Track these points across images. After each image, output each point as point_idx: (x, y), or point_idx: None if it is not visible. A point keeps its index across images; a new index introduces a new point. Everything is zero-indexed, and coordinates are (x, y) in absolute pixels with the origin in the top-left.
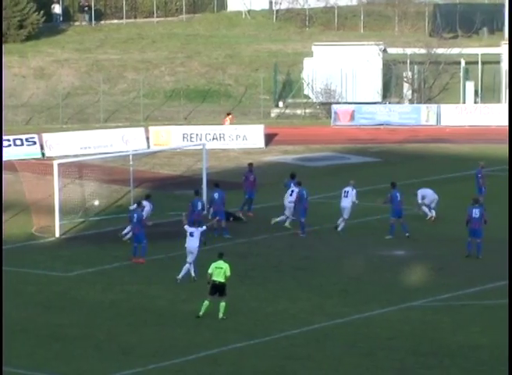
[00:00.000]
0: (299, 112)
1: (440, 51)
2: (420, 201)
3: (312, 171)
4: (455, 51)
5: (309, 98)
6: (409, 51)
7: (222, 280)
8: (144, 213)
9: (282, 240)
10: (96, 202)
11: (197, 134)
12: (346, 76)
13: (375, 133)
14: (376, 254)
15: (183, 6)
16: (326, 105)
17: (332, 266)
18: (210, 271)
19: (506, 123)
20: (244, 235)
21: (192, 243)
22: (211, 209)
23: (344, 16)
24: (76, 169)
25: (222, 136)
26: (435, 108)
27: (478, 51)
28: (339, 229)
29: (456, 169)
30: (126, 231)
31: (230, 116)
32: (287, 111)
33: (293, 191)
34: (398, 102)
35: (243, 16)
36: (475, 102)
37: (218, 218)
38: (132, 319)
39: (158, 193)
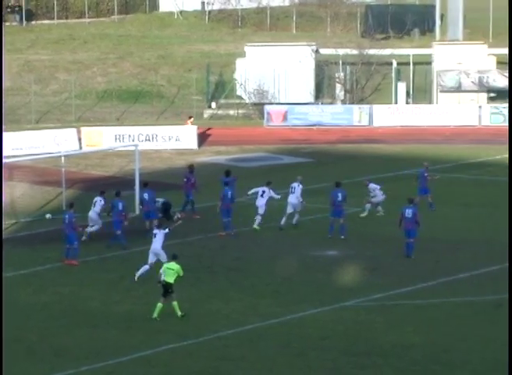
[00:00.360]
0: (232, 112)
1: (372, 51)
2: (371, 194)
3: (245, 172)
4: (387, 51)
5: (242, 98)
6: (341, 51)
7: (170, 280)
8: (99, 207)
9: (215, 240)
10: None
11: (129, 135)
12: (279, 77)
13: (307, 133)
14: (309, 254)
15: (115, 7)
16: (259, 106)
17: (264, 267)
18: (161, 271)
19: (437, 123)
20: (178, 236)
21: (155, 244)
22: (143, 210)
23: (276, 17)
24: (7, 171)
25: (154, 137)
26: (368, 109)
27: (409, 51)
28: (294, 222)
29: (389, 170)
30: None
31: (191, 120)
32: (220, 112)
33: (264, 192)
34: (330, 103)
35: (176, 16)
36: (407, 103)
37: (178, 216)
38: (64, 320)
39: (90, 194)
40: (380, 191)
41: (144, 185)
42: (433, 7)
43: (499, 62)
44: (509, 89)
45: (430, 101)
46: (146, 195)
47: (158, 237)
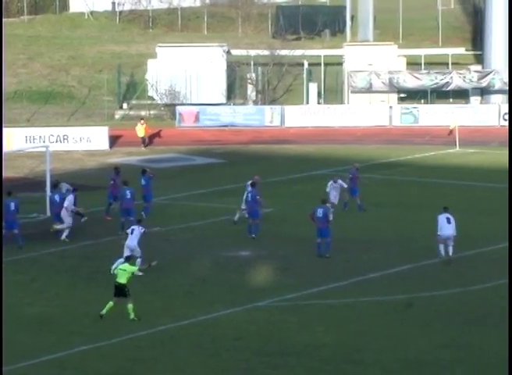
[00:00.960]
0: (143, 113)
1: (283, 52)
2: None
3: (157, 172)
4: (298, 52)
5: (153, 99)
6: (252, 52)
7: (122, 281)
8: (67, 202)
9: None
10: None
11: (40, 136)
12: (191, 78)
13: (219, 134)
14: (222, 255)
15: (25, 7)
16: (171, 107)
17: (177, 267)
18: (115, 272)
19: (348, 123)
20: (90, 237)
21: (131, 240)
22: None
23: (188, 18)
24: None
25: (65, 138)
26: (279, 110)
27: (320, 52)
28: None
29: (301, 170)
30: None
31: (142, 121)
32: (131, 112)
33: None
34: (242, 103)
35: (86, 17)
36: (318, 103)
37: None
38: None
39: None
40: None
41: (54, 186)
42: (344, 8)
43: (409, 63)
44: (509, 89)
45: (341, 102)
46: (56, 197)
47: (135, 233)
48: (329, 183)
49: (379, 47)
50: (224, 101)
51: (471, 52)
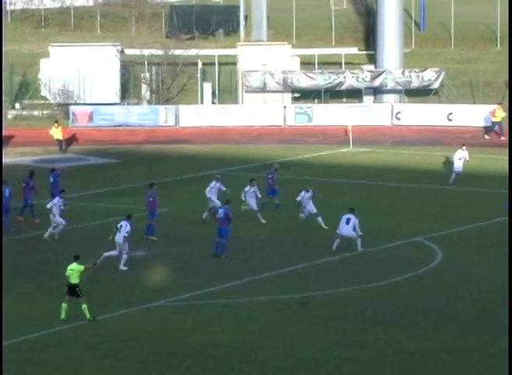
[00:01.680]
0: (36, 113)
1: (177, 52)
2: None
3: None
4: (192, 52)
5: (46, 99)
6: (146, 52)
7: (73, 281)
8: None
9: (22, 243)
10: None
11: None
12: (84, 77)
13: (113, 134)
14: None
15: None
16: (64, 107)
17: None
18: (66, 274)
19: (243, 123)
20: None
21: (118, 236)
22: None
23: (81, 17)
24: None
25: None
26: (174, 109)
27: (214, 52)
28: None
29: (196, 170)
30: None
31: (56, 124)
32: (24, 112)
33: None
34: (136, 103)
35: None
36: (213, 103)
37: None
38: None
39: None
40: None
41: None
42: (237, 8)
43: (302, 63)
44: (509, 89)
45: (236, 102)
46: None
47: (123, 229)
48: (246, 188)
49: (273, 47)
50: (118, 100)
51: (364, 52)
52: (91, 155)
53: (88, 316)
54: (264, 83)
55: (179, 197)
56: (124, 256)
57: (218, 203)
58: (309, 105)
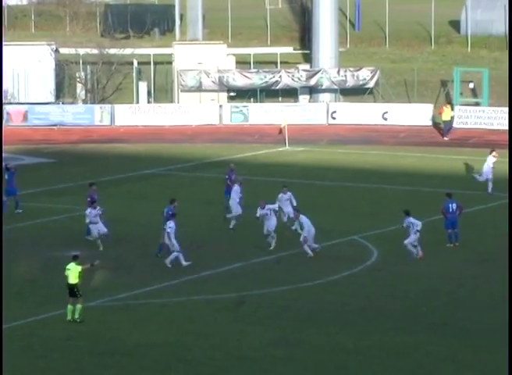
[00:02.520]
0: None
1: (113, 51)
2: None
3: None
4: (128, 51)
5: None
6: (81, 51)
7: (71, 281)
8: None
9: None
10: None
11: None
12: (18, 76)
13: (48, 133)
14: (51, 255)
15: None
16: None
17: (6, 268)
18: (65, 273)
19: (179, 122)
20: None
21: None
22: None
23: (14, 16)
24: None
25: None
26: (109, 109)
27: (150, 51)
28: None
29: (131, 169)
30: None
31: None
32: None
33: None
34: (72, 103)
35: None
36: (149, 102)
37: None
38: None
39: None
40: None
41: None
42: (173, 7)
43: (238, 62)
44: (509, 89)
45: (171, 101)
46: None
47: (166, 227)
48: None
49: (208, 46)
50: (53, 100)
51: (299, 51)
52: (26, 155)
53: (77, 316)
54: (200, 83)
55: (115, 196)
56: (176, 254)
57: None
58: (245, 104)
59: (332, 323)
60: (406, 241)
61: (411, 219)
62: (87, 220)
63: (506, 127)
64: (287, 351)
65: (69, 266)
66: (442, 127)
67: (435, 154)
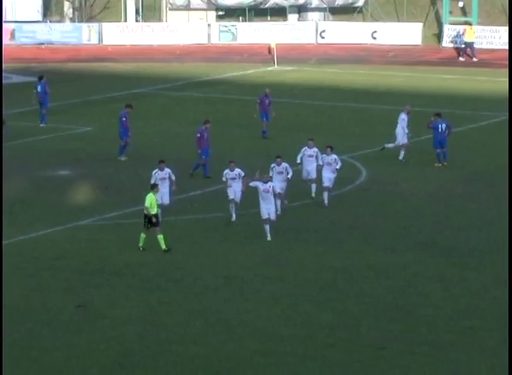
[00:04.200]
0: None
1: None
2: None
3: None
4: None
5: None
6: None
7: (154, 211)
8: None
9: None
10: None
11: None
12: None
13: (36, 52)
14: (41, 175)
15: None
16: None
17: None
18: (146, 205)
19: (167, 41)
20: None
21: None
22: None
23: None
24: None
25: None
26: (97, 27)
27: None
28: None
29: (119, 89)
30: None
31: None
32: None
33: None
34: (59, 21)
35: None
36: (137, 21)
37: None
38: None
39: None
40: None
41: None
42: None
43: None
44: (509, 87)
45: (160, 20)
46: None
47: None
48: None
49: None
50: (40, 18)
51: None
52: (14, 73)
53: (165, 246)
54: (188, 1)
55: (102, 116)
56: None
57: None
58: (233, 23)
59: (321, 243)
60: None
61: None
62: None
63: (496, 46)
64: (276, 270)
65: (149, 197)
66: (461, 48)
67: (424, 73)
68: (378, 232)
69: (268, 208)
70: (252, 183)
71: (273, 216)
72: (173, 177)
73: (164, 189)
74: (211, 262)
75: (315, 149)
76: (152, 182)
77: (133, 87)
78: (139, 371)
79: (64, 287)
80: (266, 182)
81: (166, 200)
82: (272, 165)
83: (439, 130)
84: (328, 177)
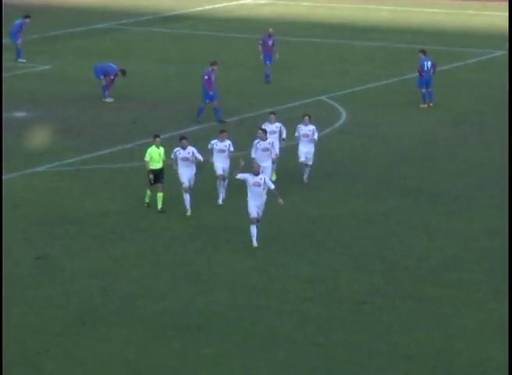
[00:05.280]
0: None
1: None
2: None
3: None
4: None
5: None
6: None
7: (157, 165)
8: None
9: None
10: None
11: None
12: None
13: None
14: None
15: None
16: None
17: None
18: (146, 158)
19: None
20: None
21: None
22: None
23: None
24: None
25: None
26: None
27: None
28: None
29: (80, 23)
30: None
31: None
32: None
33: None
34: None
35: None
36: None
37: None
38: None
39: None
40: None
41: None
42: None
43: None
44: (509, 85)
45: None
46: None
47: None
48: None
49: None
50: None
51: None
52: None
53: (161, 206)
54: None
55: (62, 53)
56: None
57: None
58: None
59: (297, 190)
60: None
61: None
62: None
63: None
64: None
65: (150, 149)
66: None
67: (409, 7)
68: (358, 178)
69: (258, 206)
70: (239, 176)
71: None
72: (199, 157)
73: (188, 171)
74: (180, 211)
75: (278, 124)
76: (173, 160)
77: (96, 22)
78: (102, 328)
79: (21, 238)
80: (257, 174)
81: (192, 182)
82: (256, 140)
83: (425, 68)
84: (304, 152)
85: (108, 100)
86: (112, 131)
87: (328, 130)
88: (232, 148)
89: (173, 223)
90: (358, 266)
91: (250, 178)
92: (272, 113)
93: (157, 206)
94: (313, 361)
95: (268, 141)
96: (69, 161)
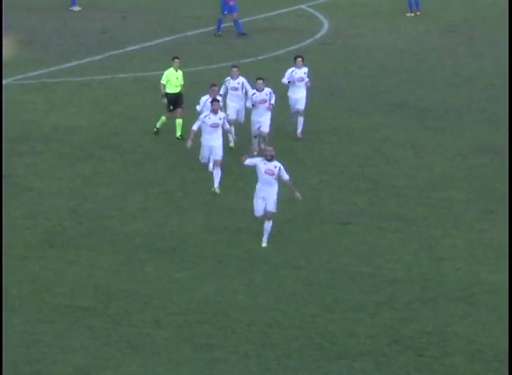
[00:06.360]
0: None
1: None
2: None
3: None
4: None
5: None
6: None
7: (176, 89)
8: None
9: None
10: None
11: None
12: None
13: None
14: None
15: None
16: None
17: None
18: (163, 82)
19: None
20: None
21: None
22: None
23: None
24: None
25: None
26: None
27: None
28: None
29: None
30: None
31: None
32: None
33: None
34: None
35: None
36: None
37: None
38: None
39: None
40: None
41: None
42: None
43: None
44: (509, 88)
45: None
46: None
47: None
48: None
49: None
50: None
51: None
52: None
53: (181, 134)
54: None
55: None
56: None
57: None
58: None
59: (275, 103)
60: None
61: None
62: None
63: None
64: (224, 135)
65: (167, 72)
66: None
67: None
68: (341, 92)
69: (268, 198)
70: (248, 162)
71: (274, 208)
72: (227, 126)
73: (216, 141)
74: (152, 128)
75: (241, 79)
76: (196, 128)
77: None
78: (70, 250)
79: None
80: (270, 160)
81: (219, 155)
82: (252, 92)
83: None
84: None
85: (76, 8)
86: (80, 42)
87: (309, 40)
88: (227, 126)
89: (145, 140)
90: (341, 185)
91: (261, 164)
92: (234, 66)
93: (177, 133)
94: (293, 284)
95: (265, 91)
96: (34, 73)
